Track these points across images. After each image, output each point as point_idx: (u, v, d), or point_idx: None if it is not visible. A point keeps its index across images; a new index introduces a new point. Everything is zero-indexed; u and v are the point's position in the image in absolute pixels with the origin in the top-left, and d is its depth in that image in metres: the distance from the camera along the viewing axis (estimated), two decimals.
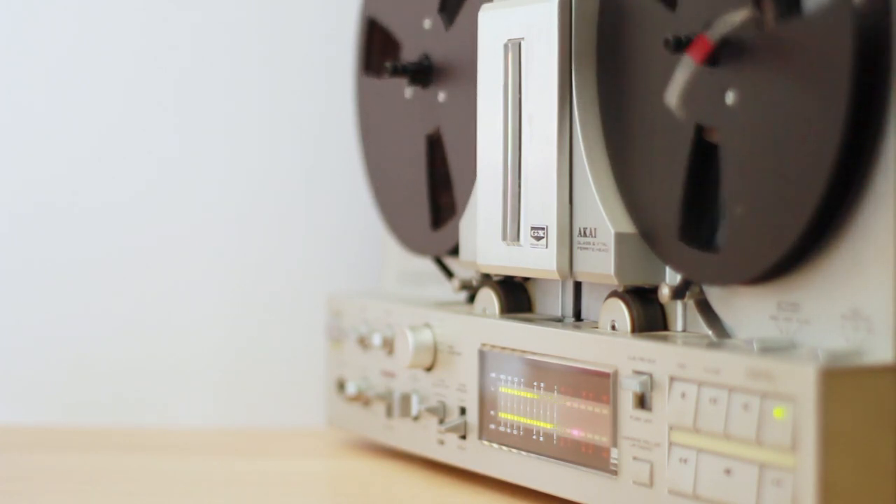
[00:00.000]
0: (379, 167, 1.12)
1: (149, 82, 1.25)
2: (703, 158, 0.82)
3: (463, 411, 0.97)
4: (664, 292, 0.84)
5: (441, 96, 1.03)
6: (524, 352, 0.92)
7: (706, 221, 0.82)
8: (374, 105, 1.12)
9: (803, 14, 0.75)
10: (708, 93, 0.80)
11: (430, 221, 1.05)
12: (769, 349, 0.76)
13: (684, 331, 0.86)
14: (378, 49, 1.12)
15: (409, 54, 1.06)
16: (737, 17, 0.77)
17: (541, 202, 0.90)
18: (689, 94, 0.78)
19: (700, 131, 0.81)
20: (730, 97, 0.79)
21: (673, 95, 0.78)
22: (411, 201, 1.08)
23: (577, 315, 0.94)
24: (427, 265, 1.10)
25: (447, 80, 1.03)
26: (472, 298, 1.03)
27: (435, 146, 1.05)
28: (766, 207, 0.77)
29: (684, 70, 0.78)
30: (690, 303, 0.85)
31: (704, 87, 0.80)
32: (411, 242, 1.08)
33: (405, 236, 1.09)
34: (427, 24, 1.05)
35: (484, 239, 0.96)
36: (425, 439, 1.01)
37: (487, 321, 0.96)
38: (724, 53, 0.79)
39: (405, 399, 1.02)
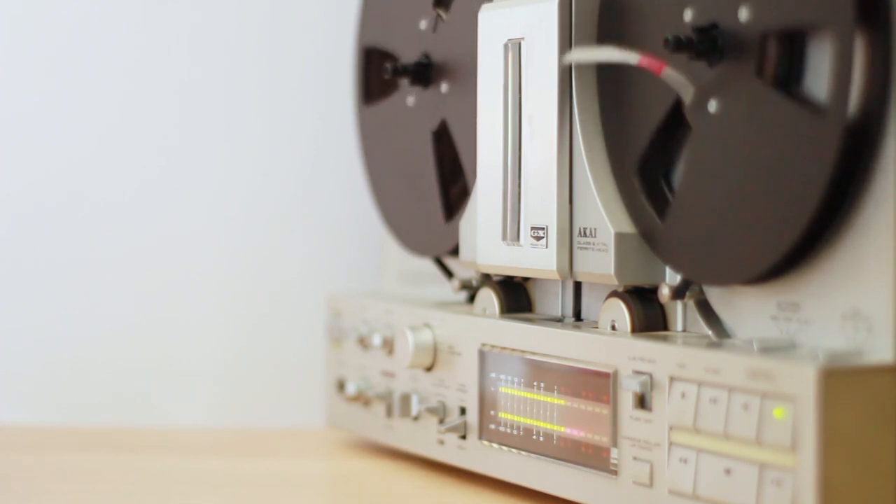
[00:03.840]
0: (380, 167, 1.12)
1: (149, 83, 1.25)
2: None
3: (463, 411, 0.97)
4: (664, 292, 0.84)
5: (444, 88, 1.03)
6: (524, 352, 0.92)
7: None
8: (377, 115, 1.12)
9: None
10: (699, 91, 0.80)
11: (443, 215, 1.05)
12: (769, 349, 0.76)
13: (684, 331, 0.86)
14: (377, 75, 1.12)
15: (408, 60, 1.06)
16: None
17: (541, 202, 0.90)
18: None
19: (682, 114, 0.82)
20: (720, 100, 0.79)
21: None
22: (415, 200, 1.08)
23: (577, 315, 0.94)
24: (427, 265, 1.10)
25: (448, 74, 1.03)
26: (472, 298, 1.03)
27: (441, 140, 1.05)
28: (767, 207, 0.77)
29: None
30: (690, 303, 0.85)
31: (696, 86, 0.80)
32: (411, 242, 1.08)
33: (405, 236, 1.09)
34: (423, 24, 1.05)
35: (484, 239, 0.96)
36: (425, 439, 1.01)
37: (487, 321, 0.96)
38: (723, 53, 0.79)
39: (405, 399, 1.02)
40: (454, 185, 1.05)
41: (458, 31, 1.01)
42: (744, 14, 0.78)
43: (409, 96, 1.07)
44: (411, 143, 1.07)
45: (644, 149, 0.85)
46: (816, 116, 0.74)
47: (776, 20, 0.76)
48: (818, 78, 0.76)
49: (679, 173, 0.84)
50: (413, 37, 1.06)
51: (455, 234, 1.01)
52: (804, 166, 0.75)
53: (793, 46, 0.76)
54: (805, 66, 0.76)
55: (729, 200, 0.80)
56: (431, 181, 1.06)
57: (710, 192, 0.81)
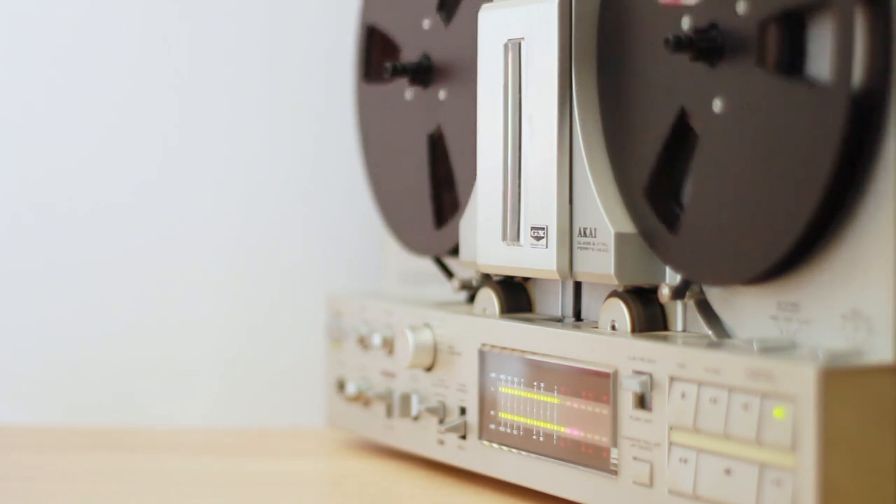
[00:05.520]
0: (379, 167, 1.12)
1: (148, 82, 1.25)
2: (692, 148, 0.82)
3: (463, 411, 0.97)
4: (664, 292, 0.84)
5: (442, 95, 1.03)
6: (524, 352, 0.92)
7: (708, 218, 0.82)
8: (375, 108, 1.12)
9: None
10: (701, 92, 0.80)
11: (433, 221, 1.05)
12: (769, 349, 0.76)
13: (684, 331, 0.86)
14: (378, 56, 1.12)
15: (409, 56, 1.06)
16: None
17: (541, 202, 0.90)
18: None
19: (684, 116, 0.81)
20: (723, 99, 0.79)
21: None
22: (413, 201, 1.08)
23: (577, 315, 0.94)
24: (427, 265, 1.10)
25: (447, 79, 1.03)
26: (472, 298, 1.03)
27: (437, 145, 1.05)
28: (767, 207, 0.77)
29: None
30: (690, 303, 0.84)
31: (698, 87, 0.80)
32: (411, 242, 1.08)
33: (405, 236, 1.09)
34: (426, 24, 1.05)
35: (484, 239, 0.96)
36: (425, 439, 1.01)
37: (487, 321, 0.96)
38: (724, 52, 0.79)
39: (405, 399, 1.02)
40: (447, 191, 1.05)
41: (459, 40, 1.01)
42: (742, 7, 0.78)
43: (407, 91, 1.07)
44: (408, 143, 1.08)
45: (652, 166, 0.84)
46: (819, 93, 0.74)
47: (775, 5, 0.76)
48: (820, 63, 0.75)
49: (685, 177, 0.84)
50: (416, 33, 1.06)
51: (455, 234, 1.01)
52: (806, 159, 0.75)
53: (793, 32, 0.76)
54: (806, 51, 0.76)
55: (730, 200, 0.80)
56: (425, 186, 1.06)
57: (712, 193, 0.81)
